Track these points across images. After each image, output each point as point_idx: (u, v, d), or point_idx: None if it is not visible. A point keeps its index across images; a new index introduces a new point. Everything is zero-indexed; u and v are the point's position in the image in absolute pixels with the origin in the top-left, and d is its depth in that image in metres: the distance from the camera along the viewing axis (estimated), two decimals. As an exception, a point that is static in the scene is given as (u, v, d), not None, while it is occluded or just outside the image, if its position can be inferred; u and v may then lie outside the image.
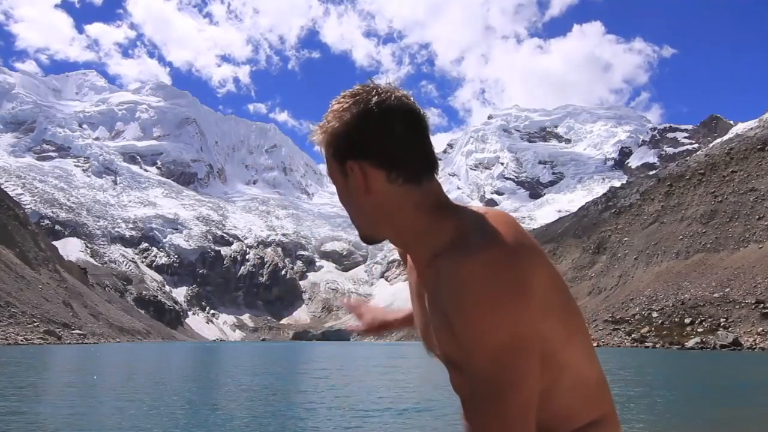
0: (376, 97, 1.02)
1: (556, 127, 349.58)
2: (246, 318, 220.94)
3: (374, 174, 1.02)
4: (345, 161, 1.03)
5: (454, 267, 0.94)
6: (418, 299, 1.13)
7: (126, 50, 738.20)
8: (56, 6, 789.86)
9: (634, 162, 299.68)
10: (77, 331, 69.53)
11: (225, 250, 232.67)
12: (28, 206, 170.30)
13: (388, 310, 1.56)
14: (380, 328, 1.57)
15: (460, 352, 0.95)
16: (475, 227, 0.98)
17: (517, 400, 0.90)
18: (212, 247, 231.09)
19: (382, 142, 1.01)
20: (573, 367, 1.04)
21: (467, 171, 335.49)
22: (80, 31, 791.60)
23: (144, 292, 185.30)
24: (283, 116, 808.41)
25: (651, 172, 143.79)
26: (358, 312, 1.60)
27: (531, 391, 0.92)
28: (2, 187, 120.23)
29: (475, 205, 1.10)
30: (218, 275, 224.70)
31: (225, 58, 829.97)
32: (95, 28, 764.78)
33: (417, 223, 1.04)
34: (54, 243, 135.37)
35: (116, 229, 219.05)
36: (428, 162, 1.05)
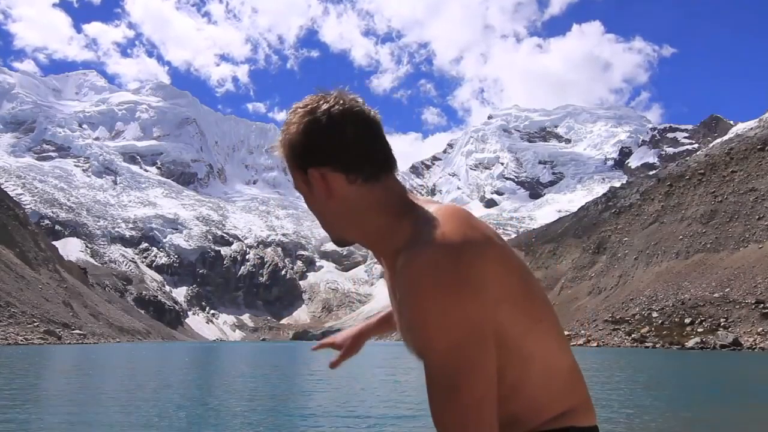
0: (325, 104, 1.05)
1: (556, 127, 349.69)
2: (246, 318, 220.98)
3: (334, 178, 1.06)
4: (306, 169, 1.08)
5: (403, 265, 0.98)
6: (392, 299, 1.16)
7: (125, 49, 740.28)
8: (54, 5, 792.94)
9: (634, 162, 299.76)
10: (77, 331, 69.53)
11: (225, 250, 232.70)
12: (28, 206, 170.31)
13: (364, 322, 1.53)
14: (356, 341, 1.54)
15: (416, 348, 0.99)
16: (426, 225, 1.01)
17: (471, 392, 0.91)
18: (212, 247, 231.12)
19: (335, 147, 1.05)
20: (540, 358, 1.04)
21: (467, 171, 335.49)
22: (78, 30, 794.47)
23: (144, 292, 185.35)
24: (281, 116, 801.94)
25: (651, 172, 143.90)
26: (332, 344, 1.56)
27: (486, 381, 0.92)
28: (2, 187, 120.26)
29: (443, 202, 1.09)
30: (218, 275, 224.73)
31: (224, 57, 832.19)
32: (93, 28, 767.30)
33: (380, 223, 1.08)
34: (54, 243, 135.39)
35: (116, 229, 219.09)
36: (385, 160, 1.08)
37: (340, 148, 1.05)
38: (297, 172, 1.10)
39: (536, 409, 1.05)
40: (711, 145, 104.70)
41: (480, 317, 0.93)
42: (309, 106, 1.07)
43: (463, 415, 0.90)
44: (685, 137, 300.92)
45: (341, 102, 1.06)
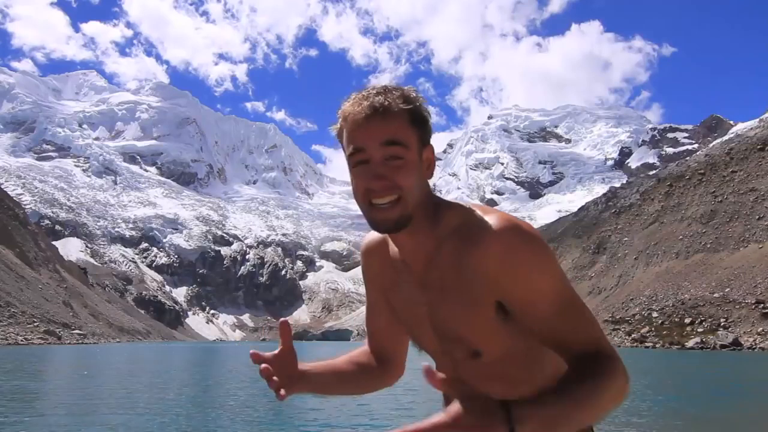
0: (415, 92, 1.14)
1: (556, 127, 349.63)
2: (246, 318, 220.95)
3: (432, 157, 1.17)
4: (428, 141, 1.14)
5: (486, 244, 1.06)
6: (420, 290, 1.19)
7: (123, 49, 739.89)
8: (52, 4, 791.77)
9: (634, 162, 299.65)
10: (77, 331, 69.51)
11: (225, 250, 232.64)
12: (28, 206, 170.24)
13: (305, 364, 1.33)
14: (297, 382, 1.28)
15: (490, 330, 1.13)
16: (482, 213, 1.12)
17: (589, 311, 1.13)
18: (212, 247, 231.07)
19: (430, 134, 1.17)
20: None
21: (467, 171, 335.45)
22: (76, 29, 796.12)
23: (144, 292, 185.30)
24: (280, 115, 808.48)
25: (651, 172, 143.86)
26: (268, 368, 1.22)
27: None
28: (2, 187, 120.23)
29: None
30: (218, 275, 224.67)
31: (222, 57, 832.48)
32: (91, 27, 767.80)
33: (430, 210, 1.15)
34: (54, 243, 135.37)
35: (116, 229, 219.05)
36: None
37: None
38: (414, 136, 1.11)
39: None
40: (711, 145, 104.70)
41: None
42: (411, 89, 1.14)
43: (597, 322, 1.12)
44: (685, 137, 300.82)
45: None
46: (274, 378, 1.20)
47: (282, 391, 1.20)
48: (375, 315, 1.43)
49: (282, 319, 1.29)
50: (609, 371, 1.03)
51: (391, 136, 1.09)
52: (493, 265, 1.04)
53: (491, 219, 1.08)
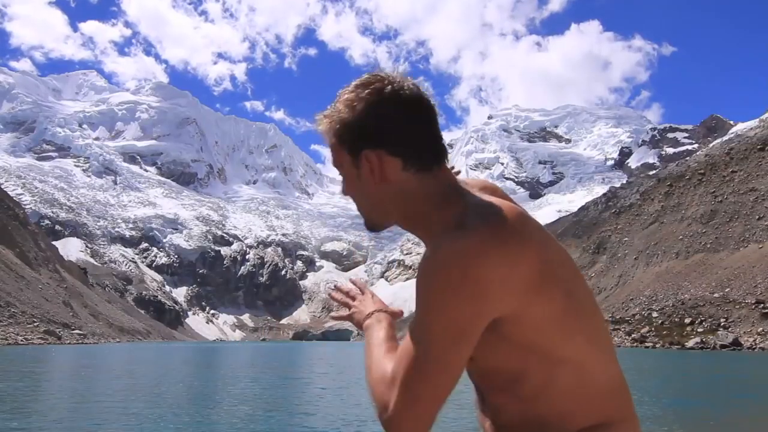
0: (390, 86, 1.03)
1: (556, 127, 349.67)
2: (246, 318, 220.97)
3: (390, 162, 1.04)
4: (360, 151, 1.05)
5: (426, 254, 1.00)
6: None
7: (122, 48, 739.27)
8: (50, 3, 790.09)
9: (634, 162, 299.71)
10: (77, 331, 69.50)
11: (225, 250, 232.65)
12: (28, 206, 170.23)
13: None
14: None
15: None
16: (467, 217, 1.01)
17: (437, 380, 0.95)
18: (212, 247, 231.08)
19: (398, 131, 1.03)
20: (574, 364, 1.02)
21: (467, 171, 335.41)
22: (75, 29, 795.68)
23: (144, 292, 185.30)
24: (279, 114, 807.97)
25: (651, 172, 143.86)
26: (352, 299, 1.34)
27: (450, 380, 0.97)
28: (2, 187, 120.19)
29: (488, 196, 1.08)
30: (218, 275, 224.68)
31: (221, 56, 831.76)
32: (90, 26, 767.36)
33: (423, 210, 1.06)
34: (54, 243, 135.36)
35: (116, 229, 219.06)
36: (439, 150, 1.08)
37: (403, 133, 1.04)
38: (343, 151, 1.07)
39: (565, 415, 1.03)
40: (711, 145, 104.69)
41: (468, 319, 0.94)
42: (374, 85, 1.04)
43: (421, 398, 0.96)
44: (685, 137, 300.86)
45: (408, 86, 1.05)
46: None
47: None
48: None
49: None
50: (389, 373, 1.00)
51: (332, 158, 1.10)
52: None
53: (453, 233, 0.98)
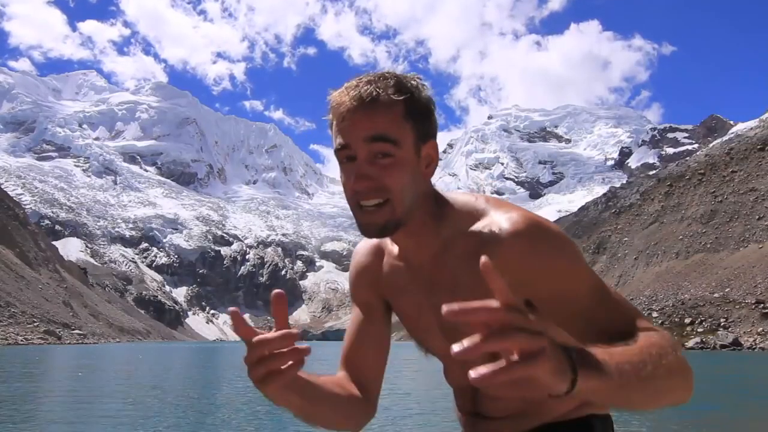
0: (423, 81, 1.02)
1: (556, 127, 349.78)
2: (246, 318, 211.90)
3: (434, 155, 1.03)
4: (429, 138, 1.01)
5: (510, 244, 0.95)
6: (428, 294, 1.07)
7: (121, 48, 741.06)
8: (48, 3, 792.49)
9: (634, 162, 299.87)
10: (77, 331, 69.52)
11: (225, 250, 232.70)
12: (28, 206, 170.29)
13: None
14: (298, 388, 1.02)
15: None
16: (491, 208, 1.01)
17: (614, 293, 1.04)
18: (212, 247, 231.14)
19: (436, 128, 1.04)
20: None
21: (467, 171, 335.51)
22: (73, 28, 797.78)
23: (144, 292, 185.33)
24: (278, 114, 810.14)
25: (651, 172, 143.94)
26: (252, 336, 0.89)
27: None
28: (2, 187, 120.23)
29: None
30: (218, 275, 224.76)
31: (220, 55, 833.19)
32: (88, 26, 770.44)
33: (433, 208, 1.04)
34: (54, 243, 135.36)
35: (116, 229, 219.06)
36: None
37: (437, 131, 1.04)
38: (407, 130, 0.97)
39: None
40: (711, 145, 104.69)
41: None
42: (414, 78, 1.01)
43: (628, 302, 1.04)
44: (685, 137, 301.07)
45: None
46: (268, 363, 0.85)
47: (276, 382, 0.86)
48: (360, 336, 1.17)
49: (275, 291, 0.88)
50: (667, 340, 0.88)
51: (379, 132, 0.95)
52: (518, 266, 0.93)
53: (508, 217, 0.97)
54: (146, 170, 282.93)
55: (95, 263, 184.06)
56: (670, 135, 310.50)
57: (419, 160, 0.99)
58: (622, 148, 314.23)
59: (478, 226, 0.99)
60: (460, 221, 1.01)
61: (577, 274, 0.98)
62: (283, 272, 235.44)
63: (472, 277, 0.91)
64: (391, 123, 0.95)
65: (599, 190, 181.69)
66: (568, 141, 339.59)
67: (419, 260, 1.06)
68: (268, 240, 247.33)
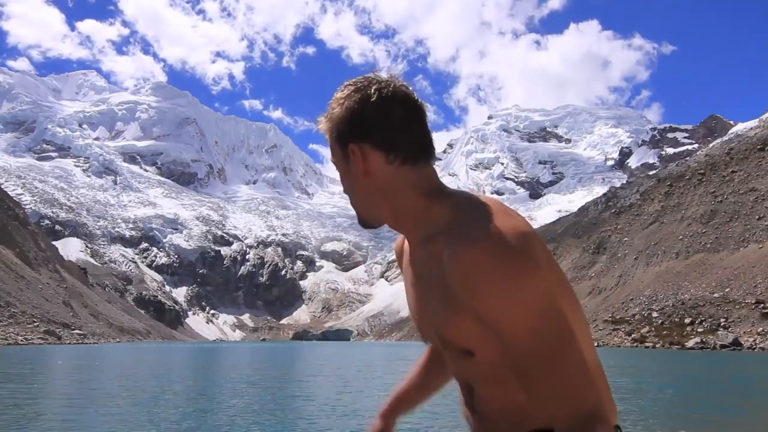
0: (376, 84, 1.09)
1: (556, 127, 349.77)
2: (246, 318, 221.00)
3: (373, 156, 1.08)
4: (346, 144, 1.10)
5: (461, 255, 0.97)
6: (415, 285, 1.15)
7: (120, 47, 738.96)
8: (47, 2, 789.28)
9: (634, 162, 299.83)
10: (77, 331, 69.53)
11: (225, 250, 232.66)
12: (28, 206, 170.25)
13: (392, 397, 1.49)
14: (386, 423, 1.51)
15: (476, 334, 1.01)
16: (473, 213, 1.03)
17: (571, 353, 0.96)
18: (212, 247, 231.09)
19: (380, 125, 1.08)
20: (578, 344, 1.02)
21: (467, 171, 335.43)
22: (72, 28, 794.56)
23: (144, 292, 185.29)
24: (277, 113, 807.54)
25: (651, 172, 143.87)
26: None
27: (579, 344, 0.97)
28: (2, 187, 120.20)
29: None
30: (218, 275, 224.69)
31: (219, 55, 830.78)
32: (87, 25, 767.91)
33: (413, 205, 1.09)
34: (54, 243, 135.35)
35: (116, 229, 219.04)
36: (425, 147, 1.11)
37: (385, 127, 1.08)
38: (337, 146, 1.12)
39: (568, 396, 1.00)
40: (711, 145, 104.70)
41: (549, 290, 0.97)
42: (359, 84, 1.11)
43: (570, 375, 0.95)
44: (685, 137, 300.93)
45: (392, 84, 1.10)
46: None
47: None
48: None
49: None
50: None
51: (332, 159, 1.16)
52: (466, 275, 0.96)
53: (479, 223, 1.00)
54: (146, 170, 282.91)
55: (95, 263, 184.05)
56: (670, 135, 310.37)
57: (349, 166, 1.11)
58: (622, 148, 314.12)
59: (454, 228, 1.03)
60: (441, 219, 1.06)
61: (518, 305, 0.95)
62: (283, 272, 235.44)
63: (441, 278, 1.02)
64: (333, 148, 1.14)
65: (599, 190, 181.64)
66: (568, 141, 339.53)
67: (412, 251, 1.16)
68: (268, 240, 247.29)
